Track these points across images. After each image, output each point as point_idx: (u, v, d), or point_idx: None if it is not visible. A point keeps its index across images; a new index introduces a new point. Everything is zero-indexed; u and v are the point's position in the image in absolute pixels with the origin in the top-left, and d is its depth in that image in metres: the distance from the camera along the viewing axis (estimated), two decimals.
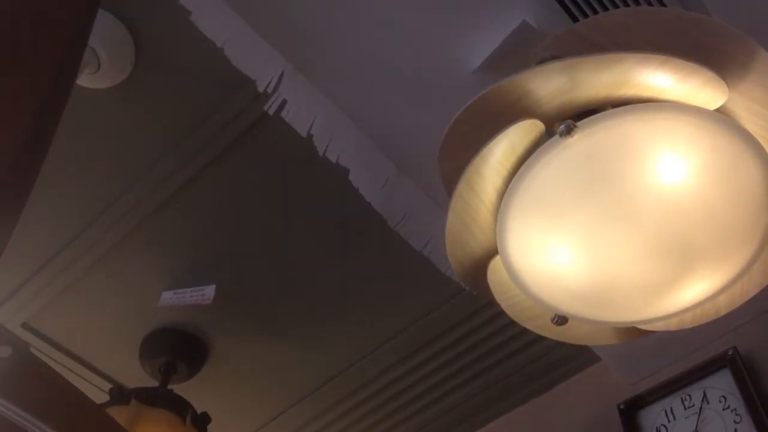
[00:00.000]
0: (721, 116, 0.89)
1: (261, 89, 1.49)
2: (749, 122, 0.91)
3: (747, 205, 0.88)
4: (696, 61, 0.87)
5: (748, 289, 0.98)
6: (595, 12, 1.41)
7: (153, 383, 2.01)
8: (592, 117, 0.89)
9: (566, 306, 0.97)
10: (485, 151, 0.92)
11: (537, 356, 2.08)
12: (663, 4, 1.40)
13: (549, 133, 0.94)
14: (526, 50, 1.43)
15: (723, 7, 1.32)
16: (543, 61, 0.98)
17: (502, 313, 1.07)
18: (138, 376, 2.07)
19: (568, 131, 0.88)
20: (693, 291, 0.93)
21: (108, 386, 2.04)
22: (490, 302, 1.06)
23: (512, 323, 1.07)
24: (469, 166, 0.93)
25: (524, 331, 1.07)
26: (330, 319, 2.05)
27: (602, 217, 0.88)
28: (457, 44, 1.47)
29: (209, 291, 1.88)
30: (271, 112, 1.52)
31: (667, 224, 0.87)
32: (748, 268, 0.92)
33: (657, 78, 0.90)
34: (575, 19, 1.42)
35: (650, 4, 1.41)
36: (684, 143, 0.87)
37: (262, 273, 1.94)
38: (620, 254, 0.89)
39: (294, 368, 2.18)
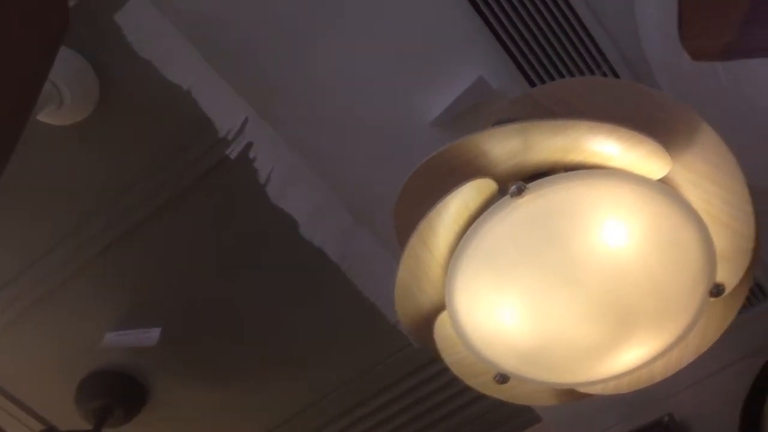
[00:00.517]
0: (664, 186, 0.92)
1: (223, 134, 1.50)
2: (691, 193, 0.95)
3: (685, 273, 0.91)
4: (643, 132, 0.91)
5: (684, 356, 1.01)
6: (550, 75, 1.47)
7: (88, 426, 1.94)
8: (543, 180, 0.92)
9: (508, 364, 0.98)
10: (439, 207, 0.93)
11: (480, 413, 2.08)
12: (617, 75, 1.47)
13: (501, 193, 0.96)
14: (481, 105, 1.48)
15: (671, 81, 1.39)
16: (499, 122, 1.01)
17: (447, 369, 1.07)
18: (74, 419, 2.00)
19: (519, 192, 0.90)
20: (630, 356, 0.95)
21: (40, 428, 1.96)
22: (436, 358, 1.06)
23: (456, 380, 1.07)
24: (423, 220, 0.94)
25: (468, 388, 1.07)
26: (275, 366, 2.02)
27: (546, 278, 0.90)
28: (416, 96, 1.52)
29: (154, 333, 1.84)
30: (232, 156, 1.52)
31: (608, 288, 0.89)
32: (684, 336, 0.94)
33: (605, 146, 0.94)
34: (529, 79, 1.47)
35: (605, 74, 1.47)
36: (627, 210, 0.90)
37: (208, 317, 1.91)
38: (562, 316, 0.91)
39: (235, 415, 2.13)
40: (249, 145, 1.51)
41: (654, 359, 0.96)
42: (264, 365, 2.01)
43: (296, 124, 1.57)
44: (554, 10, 1.38)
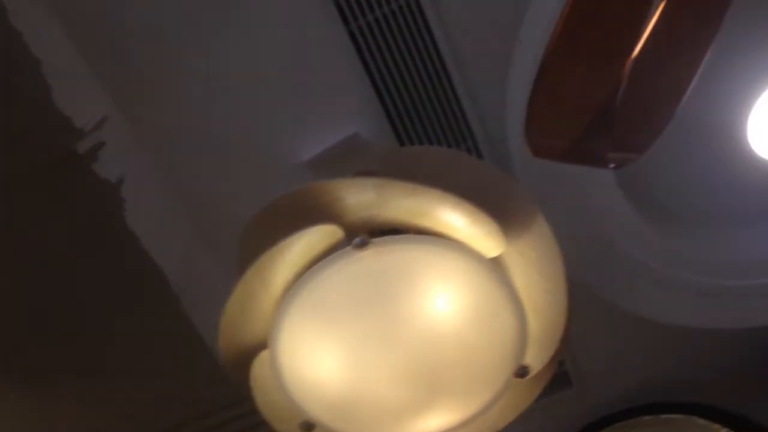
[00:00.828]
0: (494, 265, 0.98)
1: (78, 126, 1.42)
2: (517, 277, 1.01)
3: (497, 350, 0.97)
4: (487, 212, 0.97)
5: (484, 428, 1.05)
6: (419, 139, 1.53)
7: None
8: (387, 237, 0.95)
9: (318, 413, 0.98)
10: (282, 244, 0.93)
11: None
12: (479, 151, 1.55)
13: (347, 242, 0.98)
14: (351, 155, 1.51)
15: (524, 169, 1.48)
16: (360, 174, 1.04)
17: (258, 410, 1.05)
18: None
19: (363, 245, 0.92)
20: (433, 422, 0.98)
21: None
22: (247, 396, 1.04)
23: (265, 423, 1.06)
24: (264, 255, 0.94)
25: None
26: (87, 379, 1.89)
27: (368, 334, 0.92)
28: (288, 133, 1.52)
29: None
30: (80, 150, 1.44)
31: (423, 353, 0.93)
32: (485, 410, 0.99)
33: (451, 216, 0.99)
34: (399, 139, 1.52)
35: (469, 149, 1.55)
36: (455, 282, 0.95)
37: (21, 317, 1.77)
38: (376, 373, 0.93)
39: (42, 424, 1.96)
40: (101, 144, 1.44)
41: (456, 428, 1.00)
42: (75, 378, 1.88)
43: (159, 134, 1.51)
44: (435, 81, 1.45)
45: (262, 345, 1.00)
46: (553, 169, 1.33)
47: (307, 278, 0.93)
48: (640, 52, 0.66)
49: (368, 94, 1.44)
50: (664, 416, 1.85)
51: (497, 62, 1.39)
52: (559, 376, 1.82)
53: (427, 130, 1.53)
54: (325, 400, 0.97)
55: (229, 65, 1.42)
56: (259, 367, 1.00)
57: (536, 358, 1.01)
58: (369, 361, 0.93)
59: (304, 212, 0.97)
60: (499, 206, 0.99)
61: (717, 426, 1.80)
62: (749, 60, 1.34)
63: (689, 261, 1.55)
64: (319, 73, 1.44)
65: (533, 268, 1.01)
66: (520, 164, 1.47)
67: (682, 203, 1.58)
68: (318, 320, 0.94)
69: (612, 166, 0.72)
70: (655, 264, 1.52)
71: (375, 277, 0.92)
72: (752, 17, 1.23)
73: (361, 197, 0.98)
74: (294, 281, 0.97)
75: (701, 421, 1.82)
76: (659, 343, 1.79)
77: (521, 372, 1.00)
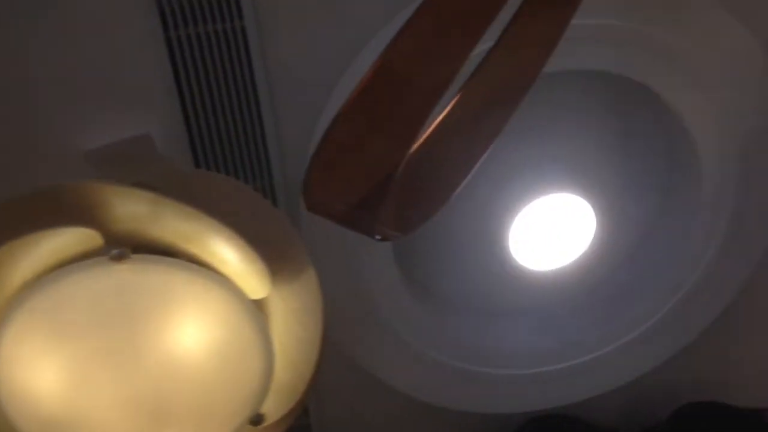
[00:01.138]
0: (252, 307, 0.97)
1: None
2: (276, 323, 1.00)
3: (238, 392, 0.94)
4: (260, 253, 0.96)
5: None
6: (216, 165, 1.48)
7: None
8: (148, 256, 0.90)
9: (28, 429, 0.89)
10: (26, 239, 0.85)
11: None
12: (273, 189, 1.53)
13: (105, 251, 0.91)
14: (138, 159, 1.43)
15: (312, 221, 1.49)
16: (138, 184, 0.98)
17: None
18: None
19: (120, 258, 0.86)
20: None
21: None
22: None
23: None
24: (1, 245, 0.84)
25: None
26: None
27: (101, 354, 0.85)
28: (80, 123, 1.41)
29: None
30: None
31: (156, 383, 0.87)
32: None
33: (223, 249, 0.96)
34: (196, 159, 1.46)
35: (264, 185, 1.53)
36: (207, 316, 0.91)
37: None
38: (99, 396, 0.86)
39: None
40: None
41: None
42: None
43: None
44: (245, 111, 1.42)
45: None
46: (336, 228, 1.36)
47: (45, 281, 0.85)
48: (427, 137, 0.70)
49: (173, 107, 1.38)
50: None
51: (312, 109, 1.40)
52: (300, 428, 1.82)
53: (226, 157, 1.49)
54: (38, 419, 0.87)
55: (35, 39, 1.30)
56: None
57: (275, 408, 1.00)
58: (94, 383, 0.85)
59: (64, 209, 0.89)
60: (273, 250, 0.98)
61: None
62: (516, 173, 1.49)
63: (448, 344, 1.62)
64: (127, 69, 1.36)
65: (293, 318, 1.01)
66: (307, 215, 1.47)
67: (449, 289, 1.67)
68: (47, 329, 0.85)
69: (378, 238, 0.75)
70: (417, 341, 1.57)
71: (124, 294, 0.86)
72: (524, 131, 1.35)
73: (133, 208, 0.92)
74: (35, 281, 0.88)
75: None
76: (407, 415, 1.85)
77: (256, 419, 0.98)
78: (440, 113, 0.71)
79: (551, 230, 1.52)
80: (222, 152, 1.48)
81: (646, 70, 1.31)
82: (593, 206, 1.50)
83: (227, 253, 0.97)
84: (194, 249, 0.97)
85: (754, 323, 1.77)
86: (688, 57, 1.28)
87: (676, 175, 1.54)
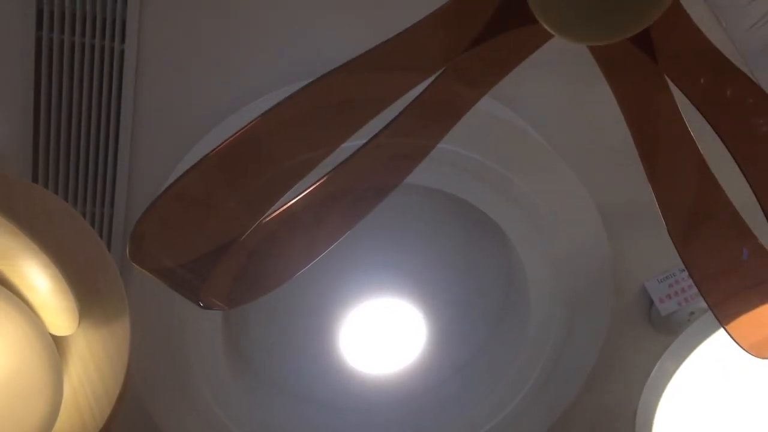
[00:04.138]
0: (50, 344, 0.88)
1: None
2: (72, 365, 0.92)
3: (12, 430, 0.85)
4: (75, 289, 0.88)
5: None
6: (57, 184, 1.38)
7: None
8: None
9: None
10: None
11: None
12: (110, 227, 1.44)
13: None
14: None
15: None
16: None
17: None
18: None
19: None
20: None
21: None
22: None
23: None
24: None
25: None
26: None
27: None
28: None
29: None
30: None
31: None
32: None
33: (33, 274, 0.88)
34: (36, 172, 1.36)
35: (102, 218, 1.44)
36: None
37: None
38: None
39: None
40: None
41: None
42: None
43: None
44: (102, 135, 1.33)
45: None
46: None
47: None
48: (277, 215, 0.69)
49: (25, 108, 1.29)
50: None
51: (172, 152, 1.35)
52: None
53: (70, 173, 1.39)
54: None
55: None
56: None
57: None
58: None
59: None
60: (88, 288, 0.91)
61: None
62: (353, 271, 1.51)
63: (262, 427, 1.56)
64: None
65: (93, 365, 0.93)
66: None
67: (277, 372, 1.62)
68: None
69: (200, 304, 0.71)
70: (227, 418, 1.48)
71: None
72: (371, 232, 1.37)
73: None
74: None
75: None
76: None
77: None
78: (295, 197, 0.69)
79: (382, 334, 1.54)
80: (66, 167, 1.39)
81: (488, 201, 1.38)
82: (425, 316, 1.53)
83: (38, 280, 0.89)
84: (6, 268, 0.88)
85: None
86: (526, 197, 1.37)
87: (510, 303, 1.61)
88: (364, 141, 0.69)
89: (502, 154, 1.31)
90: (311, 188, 0.68)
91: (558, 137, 1.39)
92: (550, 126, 1.39)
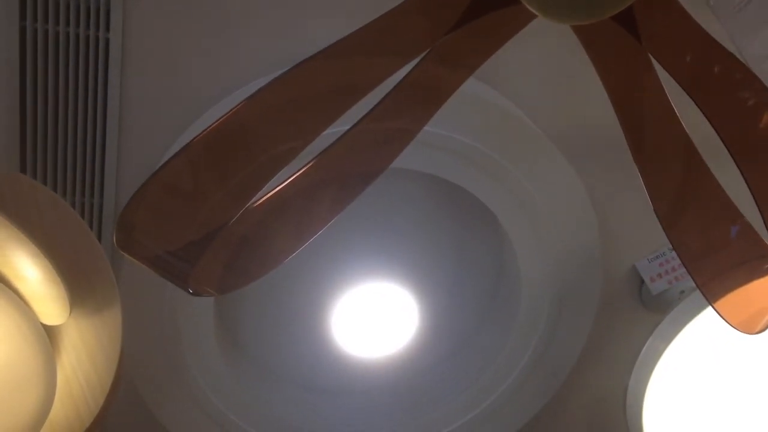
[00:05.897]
0: (42, 333, 0.89)
1: None
2: (65, 353, 0.92)
3: (8, 421, 0.85)
4: (65, 278, 0.88)
5: None
6: (45, 174, 1.38)
7: None
8: None
9: None
10: None
11: None
12: (100, 218, 1.44)
13: None
14: None
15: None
16: None
17: None
18: None
19: None
20: None
21: None
22: None
23: None
24: None
25: None
26: None
27: None
28: None
29: None
30: None
31: None
32: None
33: (23, 264, 0.88)
34: (23, 166, 1.36)
35: (92, 204, 1.44)
36: None
37: None
38: None
39: None
40: None
41: None
42: None
43: None
44: (89, 125, 1.33)
45: None
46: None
47: None
48: (265, 200, 0.69)
49: (11, 98, 1.28)
50: None
51: (160, 140, 1.34)
52: None
53: (58, 163, 1.39)
54: None
55: None
56: None
57: None
58: None
59: None
60: (80, 277, 0.91)
61: None
62: (344, 257, 1.51)
63: (256, 413, 1.55)
64: None
65: (85, 354, 0.93)
66: None
67: (270, 359, 1.63)
68: None
69: (190, 291, 0.71)
70: (222, 405, 1.49)
71: None
72: (360, 217, 1.37)
73: None
74: None
75: None
76: None
77: None
78: (283, 182, 0.70)
79: (375, 318, 1.55)
80: (54, 158, 1.38)
81: (480, 186, 1.38)
82: (417, 300, 1.54)
83: (28, 270, 0.89)
84: None
85: None
86: (518, 182, 1.37)
87: (502, 286, 1.62)
88: (348, 126, 0.69)
89: (495, 140, 1.31)
90: (297, 174, 0.68)
91: (547, 121, 1.39)
92: (540, 110, 1.39)
